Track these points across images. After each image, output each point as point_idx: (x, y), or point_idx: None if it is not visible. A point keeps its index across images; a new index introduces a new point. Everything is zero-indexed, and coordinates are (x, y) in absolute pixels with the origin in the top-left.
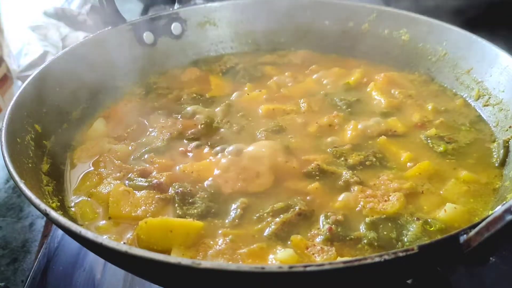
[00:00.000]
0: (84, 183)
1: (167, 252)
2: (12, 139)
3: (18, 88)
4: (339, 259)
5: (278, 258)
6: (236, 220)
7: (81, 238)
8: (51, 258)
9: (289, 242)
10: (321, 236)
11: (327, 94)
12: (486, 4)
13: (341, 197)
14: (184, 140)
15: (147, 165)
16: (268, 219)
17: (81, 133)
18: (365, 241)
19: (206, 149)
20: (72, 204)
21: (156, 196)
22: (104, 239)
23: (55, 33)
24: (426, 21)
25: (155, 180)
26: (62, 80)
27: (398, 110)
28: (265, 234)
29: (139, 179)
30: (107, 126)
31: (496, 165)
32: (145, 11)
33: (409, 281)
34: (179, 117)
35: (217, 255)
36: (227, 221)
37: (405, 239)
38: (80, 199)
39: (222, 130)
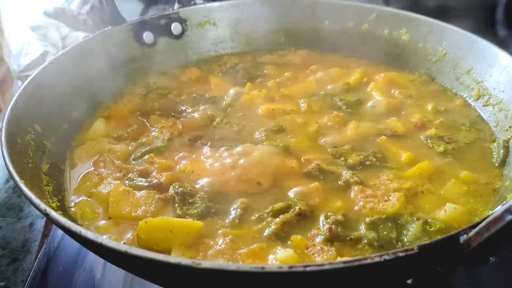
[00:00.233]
0: (84, 183)
1: (167, 252)
2: (12, 139)
3: (18, 88)
4: (339, 259)
5: (278, 258)
6: (236, 220)
7: (81, 238)
8: (51, 258)
9: (289, 242)
10: (321, 236)
11: (327, 94)
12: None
13: (341, 197)
14: (185, 140)
15: (147, 165)
16: (268, 219)
17: (81, 133)
18: (365, 241)
19: (206, 149)
20: (72, 204)
21: (156, 196)
22: (104, 239)
23: (55, 33)
24: (426, 21)
25: (155, 180)
26: (62, 80)
27: (398, 110)
28: (265, 234)
29: (139, 179)
30: (107, 126)
31: (496, 165)
32: (145, 11)
33: (409, 281)
34: (179, 117)
35: (217, 255)
36: (227, 221)
37: (405, 239)
38: (80, 199)
39: (222, 130)
